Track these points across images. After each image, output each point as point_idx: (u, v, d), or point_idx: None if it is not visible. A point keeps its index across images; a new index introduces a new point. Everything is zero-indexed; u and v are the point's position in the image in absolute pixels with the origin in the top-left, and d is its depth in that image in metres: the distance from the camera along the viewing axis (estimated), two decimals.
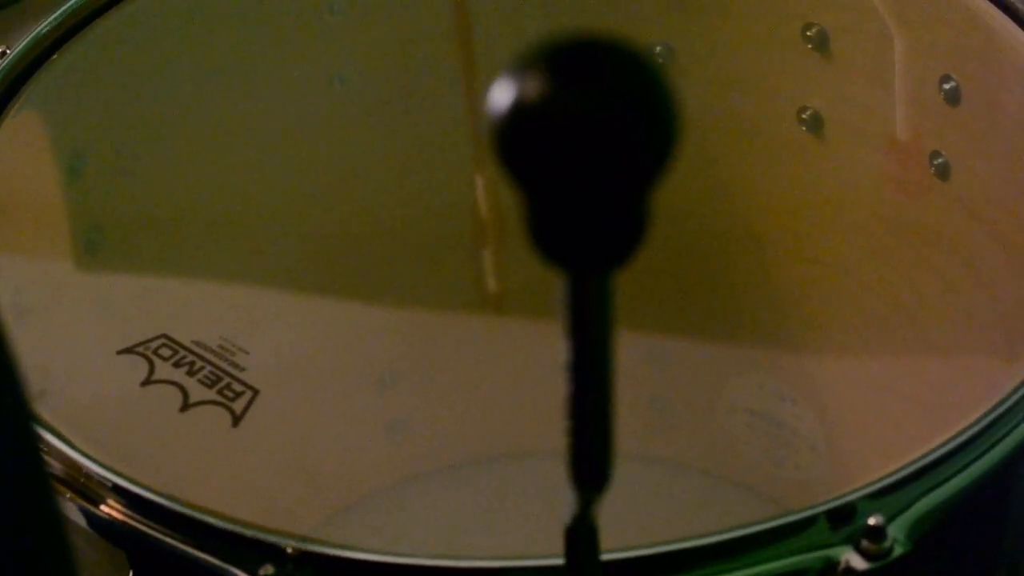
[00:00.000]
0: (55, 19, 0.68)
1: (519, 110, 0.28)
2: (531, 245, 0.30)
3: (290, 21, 0.75)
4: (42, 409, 0.54)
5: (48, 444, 0.52)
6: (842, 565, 0.47)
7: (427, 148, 0.80)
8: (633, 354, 0.82)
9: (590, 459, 0.35)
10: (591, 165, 0.28)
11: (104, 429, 0.58)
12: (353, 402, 0.79)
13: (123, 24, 0.70)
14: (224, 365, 0.64)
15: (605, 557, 0.40)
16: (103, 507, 0.51)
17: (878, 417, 0.76)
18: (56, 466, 0.52)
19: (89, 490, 0.51)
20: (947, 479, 0.49)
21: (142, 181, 0.71)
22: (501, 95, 0.28)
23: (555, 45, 0.28)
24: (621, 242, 0.30)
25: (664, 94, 0.28)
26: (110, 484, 0.50)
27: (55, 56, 0.67)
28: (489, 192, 0.80)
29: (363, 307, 0.80)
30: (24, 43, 0.67)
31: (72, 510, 0.52)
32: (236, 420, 0.62)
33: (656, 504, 0.81)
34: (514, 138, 0.28)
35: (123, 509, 0.50)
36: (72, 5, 0.68)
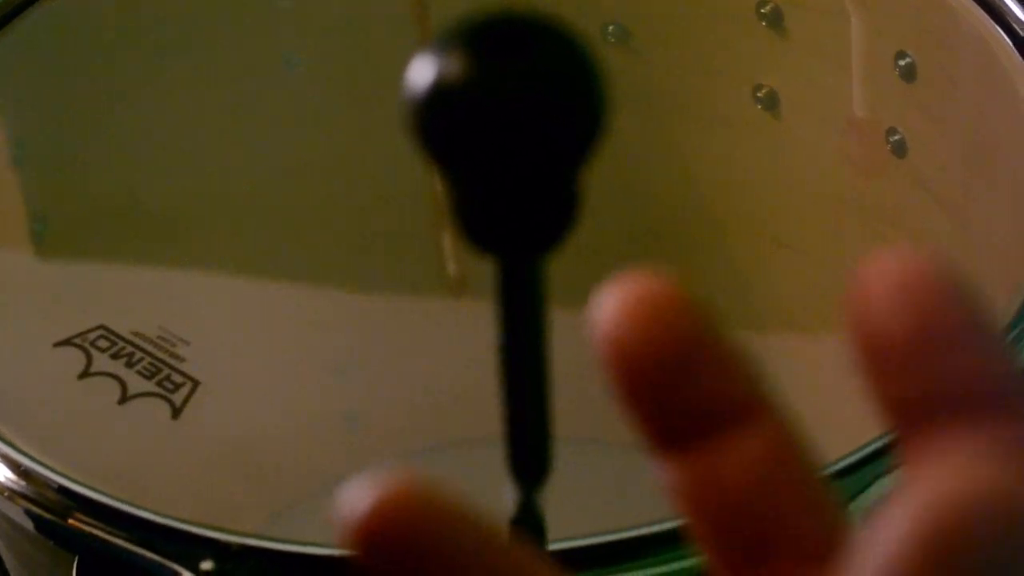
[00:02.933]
0: None
1: (437, 89, 0.27)
2: (458, 231, 0.29)
3: (239, 5, 0.74)
4: None
5: None
6: None
7: (383, 131, 0.79)
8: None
9: (528, 449, 0.34)
10: (515, 146, 0.27)
11: (42, 424, 0.57)
12: (306, 391, 0.78)
13: (64, 9, 0.68)
14: (163, 356, 0.63)
15: (553, 547, 0.39)
16: (42, 504, 0.50)
17: (840, 399, 0.76)
18: None
19: (27, 488, 0.50)
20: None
21: (86, 170, 0.70)
22: (418, 74, 0.27)
23: (474, 22, 0.27)
24: (550, 226, 0.29)
25: (591, 69, 0.27)
26: (47, 480, 0.50)
27: None
28: (443, 182, 0.79)
29: (318, 294, 0.79)
30: None
31: (12, 508, 0.51)
32: (176, 412, 0.61)
33: (621, 489, 0.80)
34: (432, 118, 0.27)
35: (63, 506, 0.49)
36: None
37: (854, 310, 0.23)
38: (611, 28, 0.76)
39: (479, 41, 0.27)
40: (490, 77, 0.27)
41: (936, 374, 0.23)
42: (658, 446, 0.25)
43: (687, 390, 0.24)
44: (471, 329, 0.81)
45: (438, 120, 0.27)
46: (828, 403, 0.76)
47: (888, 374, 0.23)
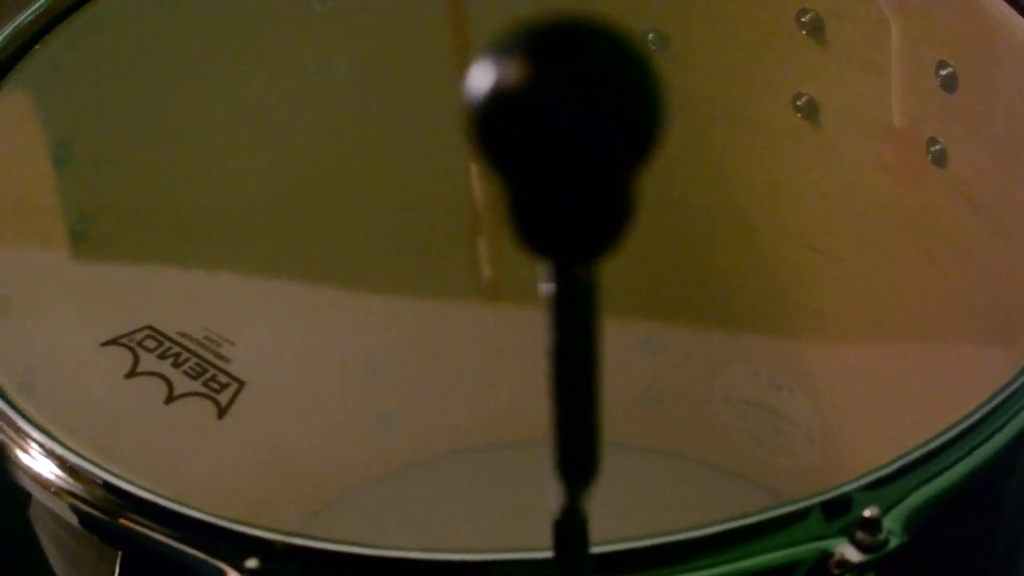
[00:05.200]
0: (37, 8, 0.67)
1: (496, 94, 0.27)
2: (513, 235, 0.30)
3: (278, 10, 0.75)
4: (28, 404, 0.54)
5: (35, 439, 0.52)
6: (836, 557, 0.46)
7: (420, 136, 0.79)
8: (627, 342, 0.82)
9: (576, 452, 0.35)
10: (574, 151, 0.28)
11: (89, 423, 0.57)
12: (344, 393, 0.78)
13: (108, 12, 0.69)
14: (209, 356, 0.63)
15: (595, 550, 0.39)
16: (88, 501, 0.50)
17: (874, 406, 0.76)
18: (43, 461, 0.52)
19: (74, 484, 0.51)
20: (943, 470, 0.49)
21: (129, 171, 0.71)
22: (477, 79, 0.27)
23: (533, 28, 0.28)
24: (606, 231, 0.30)
25: (648, 76, 0.28)
26: (94, 478, 0.50)
27: (38, 46, 0.67)
28: (484, 180, 0.80)
29: (355, 297, 0.80)
30: (6, 33, 0.66)
31: (59, 504, 0.51)
32: (222, 412, 0.61)
33: (650, 494, 0.81)
34: (492, 123, 0.27)
35: (109, 503, 0.50)
36: None
37: None
38: (651, 35, 0.76)
39: (538, 46, 0.28)
40: (550, 83, 0.27)
41: None
42: None
43: None
44: (505, 333, 0.82)
45: (497, 125, 0.28)
46: (864, 409, 0.76)
47: None
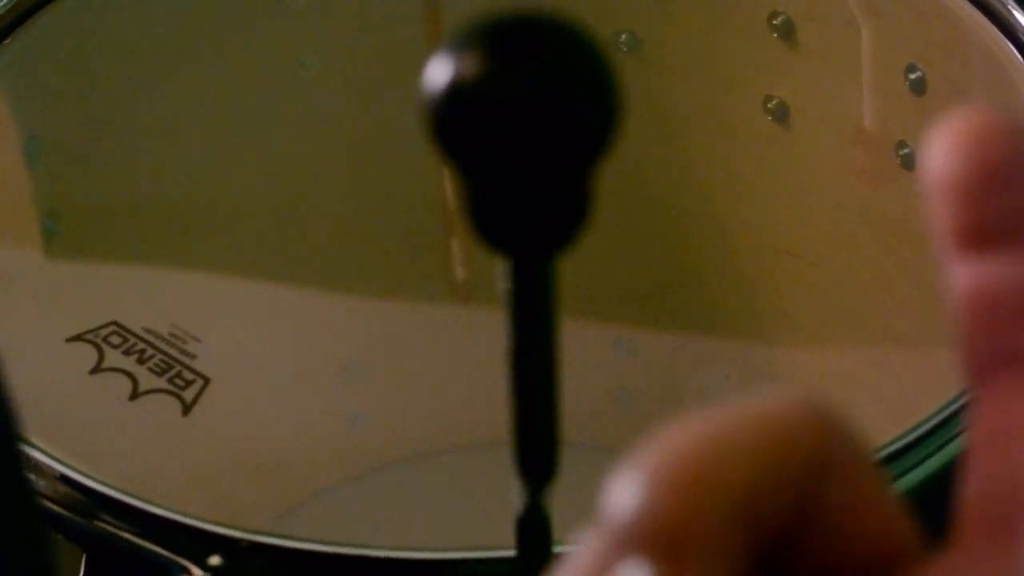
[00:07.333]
0: (8, 2, 0.67)
1: (453, 88, 0.27)
2: (472, 230, 0.30)
3: (250, 7, 0.75)
4: None
5: None
6: None
7: (393, 135, 0.79)
8: (598, 345, 0.82)
9: (535, 449, 0.35)
10: (530, 144, 0.28)
11: (52, 419, 0.57)
12: (314, 392, 0.78)
13: (78, 8, 0.69)
14: (175, 353, 0.63)
15: (558, 548, 0.39)
16: (52, 499, 0.50)
17: (847, 407, 0.76)
18: None
19: (37, 482, 0.50)
20: (905, 472, 0.49)
21: (99, 167, 0.70)
22: (435, 73, 0.27)
23: (490, 22, 0.28)
24: (563, 226, 0.30)
25: (605, 70, 0.28)
26: (57, 475, 0.50)
27: (8, 40, 0.67)
28: (457, 180, 0.80)
29: (326, 295, 0.80)
30: None
31: None
32: (186, 409, 0.61)
33: None
34: (447, 116, 0.27)
35: (73, 501, 0.50)
36: None
37: (930, 162, 0.24)
38: (623, 37, 0.76)
39: (496, 41, 0.28)
40: (506, 76, 0.27)
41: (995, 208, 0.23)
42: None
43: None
44: (477, 334, 0.82)
45: (454, 118, 0.28)
46: None
47: (952, 205, 0.24)
